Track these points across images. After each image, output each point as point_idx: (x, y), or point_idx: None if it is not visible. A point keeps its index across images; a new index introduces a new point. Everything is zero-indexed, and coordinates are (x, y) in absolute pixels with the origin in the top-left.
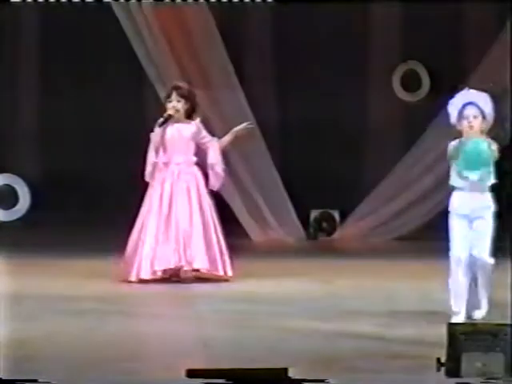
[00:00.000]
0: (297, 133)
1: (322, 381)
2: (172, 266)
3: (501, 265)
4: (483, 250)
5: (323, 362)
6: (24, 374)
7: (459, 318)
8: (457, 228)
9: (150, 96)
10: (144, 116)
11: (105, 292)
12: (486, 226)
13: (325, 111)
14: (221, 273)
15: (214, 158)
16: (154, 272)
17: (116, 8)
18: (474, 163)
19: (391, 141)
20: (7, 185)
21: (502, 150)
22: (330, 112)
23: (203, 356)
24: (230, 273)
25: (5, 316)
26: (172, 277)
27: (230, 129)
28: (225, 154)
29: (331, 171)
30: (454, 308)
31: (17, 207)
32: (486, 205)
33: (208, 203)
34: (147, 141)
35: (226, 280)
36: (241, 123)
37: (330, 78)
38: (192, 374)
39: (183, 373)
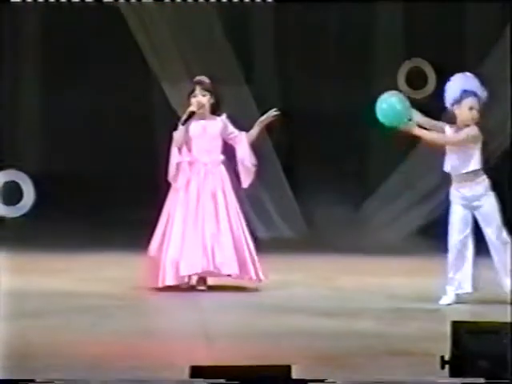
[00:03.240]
0: (301, 129)
1: (322, 381)
2: (199, 271)
3: None
4: None
5: (326, 359)
6: (26, 371)
7: (446, 299)
8: None
9: (155, 93)
10: (149, 113)
11: (108, 288)
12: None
13: (329, 108)
14: (253, 277)
15: (244, 152)
16: (181, 277)
17: (122, 7)
18: None
19: (396, 139)
20: (12, 181)
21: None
22: (334, 109)
23: (207, 352)
24: (262, 277)
25: (8, 312)
26: (199, 284)
27: (235, 125)
28: (254, 148)
29: (335, 168)
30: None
31: (21, 203)
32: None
33: (235, 206)
34: (155, 141)
35: (257, 287)
36: (246, 120)
37: (334, 75)
38: (195, 370)
39: (187, 369)
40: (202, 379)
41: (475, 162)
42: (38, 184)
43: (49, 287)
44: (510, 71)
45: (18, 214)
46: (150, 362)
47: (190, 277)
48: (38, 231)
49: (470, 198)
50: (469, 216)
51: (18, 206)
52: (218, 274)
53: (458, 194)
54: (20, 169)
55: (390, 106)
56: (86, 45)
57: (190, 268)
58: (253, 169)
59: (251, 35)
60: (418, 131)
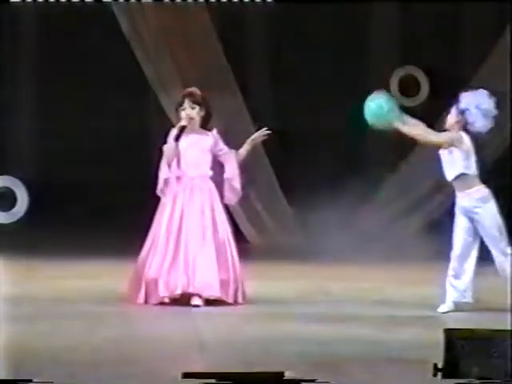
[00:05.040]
0: (296, 136)
1: (313, 381)
2: (179, 292)
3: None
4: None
5: (321, 366)
6: (22, 376)
7: (444, 307)
8: None
9: (150, 101)
10: (143, 121)
11: (102, 294)
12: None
13: (323, 115)
14: (230, 300)
15: (232, 172)
16: (161, 298)
17: (116, 9)
18: None
19: (389, 145)
20: (5, 187)
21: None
22: (328, 117)
23: (199, 359)
24: (240, 300)
25: (3, 318)
26: (193, 298)
27: (228, 133)
28: (242, 167)
29: (330, 175)
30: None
31: (15, 209)
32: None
33: (223, 222)
34: (147, 145)
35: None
36: (241, 129)
37: (328, 83)
38: (188, 377)
39: (179, 376)
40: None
41: (459, 166)
42: (32, 190)
43: (42, 293)
44: (509, 75)
45: (11, 220)
46: (143, 368)
47: (171, 297)
48: (31, 237)
49: (468, 207)
50: (471, 226)
51: (11, 212)
52: (198, 296)
53: (458, 204)
54: (14, 175)
55: (378, 105)
56: (86, 48)
57: (169, 289)
58: (240, 189)
59: (246, 46)
60: (403, 128)
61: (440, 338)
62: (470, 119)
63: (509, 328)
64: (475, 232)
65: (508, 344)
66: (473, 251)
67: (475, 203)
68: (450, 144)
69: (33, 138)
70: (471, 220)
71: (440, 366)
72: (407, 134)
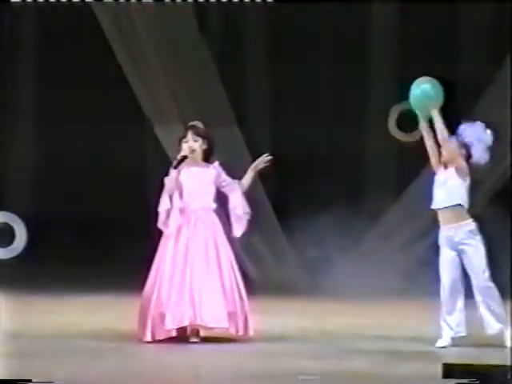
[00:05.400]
0: (294, 167)
1: None
2: (186, 324)
3: None
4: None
5: None
6: None
7: (442, 342)
8: None
9: (149, 134)
10: (143, 154)
11: (101, 330)
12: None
13: (321, 149)
14: (240, 332)
15: (237, 202)
16: (168, 331)
17: (109, 36)
18: None
19: (387, 183)
20: (4, 223)
21: None
22: (325, 150)
23: None
24: (250, 332)
25: (2, 353)
26: (191, 335)
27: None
28: (248, 196)
29: (329, 209)
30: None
31: (13, 245)
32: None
33: (228, 256)
34: (145, 178)
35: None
36: (237, 159)
37: (326, 118)
38: None
39: None
40: None
41: (458, 197)
42: (30, 226)
43: (41, 328)
44: (509, 96)
45: (10, 256)
46: None
47: (178, 330)
48: (30, 272)
49: (458, 240)
50: (457, 258)
51: (10, 247)
52: (205, 328)
53: (444, 236)
54: (12, 211)
55: (424, 90)
56: (86, 79)
57: (176, 321)
58: (246, 218)
59: (244, 76)
60: (437, 116)
61: (438, 371)
62: (472, 152)
63: (507, 363)
64: (461, 264)
65: (507, 379)
66: (461, 284)
67: (466, 235)
68: (457, 157)
69: (31, 175)
70: (458, 253)
71: None
72: (438, 122)
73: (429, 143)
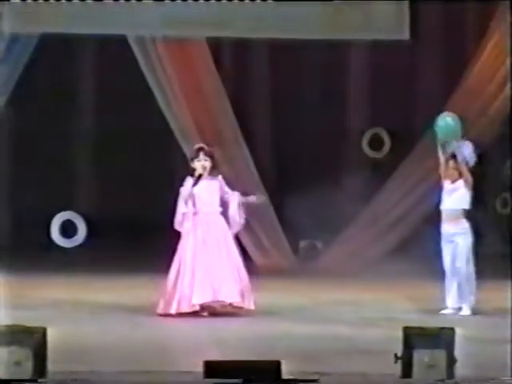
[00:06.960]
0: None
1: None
2: (209, 300)
3: None
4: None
5: (308, 357)
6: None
7: (447, 311)
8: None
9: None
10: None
11: (139, 304)
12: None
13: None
14: (247, 306)
15: (235, 210)
16: (193, 306)
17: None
18: None
19: (361, 188)
20: (69, 220)
21: None
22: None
23: (217, 351)
24: (252, 306)
25: (64, 321)
26: (208, 310)
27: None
28: (244, 207)
29: (315, 211)
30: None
31: (76, 237)
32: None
33: (233, 248)
34: (177, 187)
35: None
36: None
37: (313, 139)
38: (207, 365)
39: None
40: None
41: (465, 203)
42: (89, 222)
43: (92, 300)
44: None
45: (73, 245)
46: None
47: (201, 305)
48: (88, 258)
49: (451, 232)
50: (453, 246)
51: (73, 238)
52: (224, 302)
53: (445, 230)
54: (75, 210)
55: (448, 122)
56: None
57: (201, 298)
58: (242, 222)
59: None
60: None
61: (399, 335)
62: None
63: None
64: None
65: (452, 339)
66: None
67: (459, 231)
68: (467, 178)
69: (90, 181)
70: (453, 242)
71: (399, 355)
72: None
73: (442, 163)
